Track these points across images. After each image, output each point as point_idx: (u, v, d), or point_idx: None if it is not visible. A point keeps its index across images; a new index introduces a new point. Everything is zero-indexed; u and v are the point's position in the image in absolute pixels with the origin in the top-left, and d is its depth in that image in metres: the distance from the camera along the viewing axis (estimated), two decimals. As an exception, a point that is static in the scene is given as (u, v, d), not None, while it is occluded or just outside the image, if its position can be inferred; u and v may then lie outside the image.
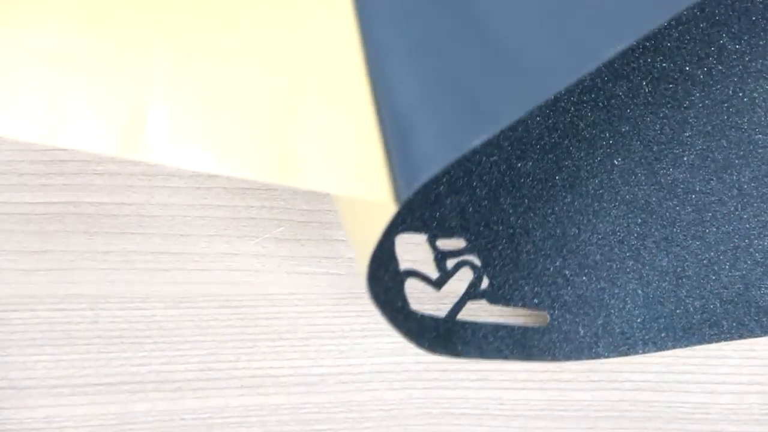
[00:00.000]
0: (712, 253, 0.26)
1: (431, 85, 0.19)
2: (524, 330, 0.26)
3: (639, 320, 0.26)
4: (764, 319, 0.26)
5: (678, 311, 0.26)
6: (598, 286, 0.26)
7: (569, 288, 0.26)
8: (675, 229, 0.26)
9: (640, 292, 0.26)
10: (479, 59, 0.19)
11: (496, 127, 0.18)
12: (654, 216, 0.27)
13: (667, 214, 0.27)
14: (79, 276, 0.26)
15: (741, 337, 0.26)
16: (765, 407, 0.27)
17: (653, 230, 0.27)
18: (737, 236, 0.26)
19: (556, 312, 0.26)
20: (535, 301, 0.26)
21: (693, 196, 0.27)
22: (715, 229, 0.26)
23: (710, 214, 0.27)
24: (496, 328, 0.26)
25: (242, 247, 0.27)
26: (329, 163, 0.18)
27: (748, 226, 0.26)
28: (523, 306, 0.26)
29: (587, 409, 0.27)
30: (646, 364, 0.27)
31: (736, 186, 0.27)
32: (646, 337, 0.26)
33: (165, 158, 0.18)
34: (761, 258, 0.26)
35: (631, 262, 0.26)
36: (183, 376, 0.26)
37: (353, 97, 0.19)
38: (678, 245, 0.26)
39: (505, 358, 0.25)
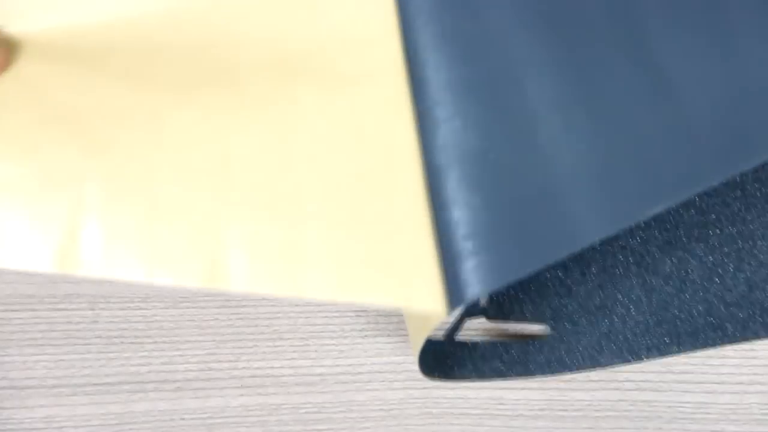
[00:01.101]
0: (716, 256, 0.26)
1: (489, 214, 0.19)
2: (523, 345, 0.26)
3: (642, 326, 0.26)
4: None
5: (682, 316, 0.26)
6: (602, 295, 0.26)
7: (571, 298, 0.26)
8: (678, 232, 0.26)
9: (644, 298, 0.26)
10: (535, 196, 0.19)
11: (540, 264, 0.19)
12: (657, 220, 0.26)
13: (670, 217, 0.26)
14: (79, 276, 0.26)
15: (746, 339, 0.25)
16: (765, 407, 0.27)
17: (656, 234, 0.26)
18: (741, 238, 0.26)
19: (558, 324, 0.26)
20: (536, 314, 0.26)
21: (696, 198, 0.26)
22: (718, 231, 0.26)
23: (713, 216, 0.26)
24: (494, 345, 0.26)
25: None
26: (378, 278, 0.20)
27: (752, 227, 0.26)
28: (524, 320, 0.26)
29: (587, 409, 0.27)
30: (646, 364, 0.27)
31: (740, 187, 0.27)
32: (650, 343, 0.25)
33: (101, 273, 0.19)
34: (765, 259, 0.26)
35: (634, 268, 0.26)
36: (183, 376, 0.26)
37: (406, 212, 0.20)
38: (681, 249, 0.26)
39: (504, 377, 0.25)
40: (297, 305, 0.27)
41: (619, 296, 0.26)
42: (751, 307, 0.26)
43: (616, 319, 0.26)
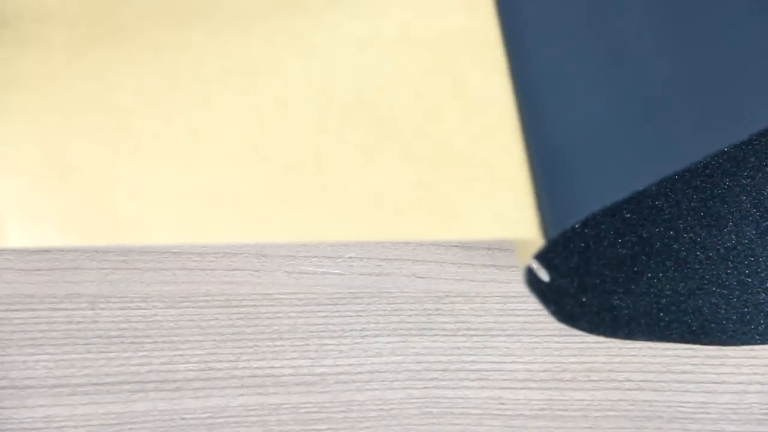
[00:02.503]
0: None
1: (591, 130, 0.20)
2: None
3: None
4: None
5: None
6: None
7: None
8: None
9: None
10: (632, 117, 0.20)
11: (644, 183, 0.19)
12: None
13: None
14: (79, 276, 0.26)
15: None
16: (765, 407, 0.27)
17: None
18: None
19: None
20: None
21: None
22: None
23: None
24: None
25: (243, 247, 0.27)
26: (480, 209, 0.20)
27: None
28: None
29: (587, 409, 0.27)
30: (646, 364, 0.27)
31: None
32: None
33: (23, 243, 0.19)
34: None
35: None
36: (183, 375, 0.26)
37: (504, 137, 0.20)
38: None
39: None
40: (297, 305, 0.27)
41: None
42: None
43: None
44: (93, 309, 0.26)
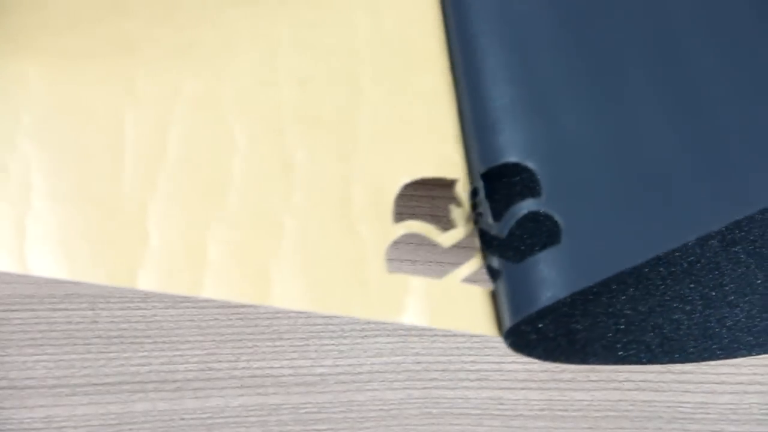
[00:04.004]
0: None
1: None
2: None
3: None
4: None
5: None
6: None
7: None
8: None
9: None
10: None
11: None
12: None
13: None
14: None
15: None
16: (765, 407, 0.27)
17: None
18: None
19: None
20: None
21: None
22: None
23: None
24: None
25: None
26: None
27: None
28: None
29: (587, 409, 0.27)
30: (646, 365, 0.27)
31: None
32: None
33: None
34: None
35: None
36: (183, 376, 0.26)
37: None
38: None
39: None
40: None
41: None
42: None
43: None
44: (93, 309, 0.26)
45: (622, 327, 0.24)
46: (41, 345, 0.26)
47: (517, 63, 0.22)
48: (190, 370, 0.26)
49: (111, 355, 0.26)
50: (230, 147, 0.21)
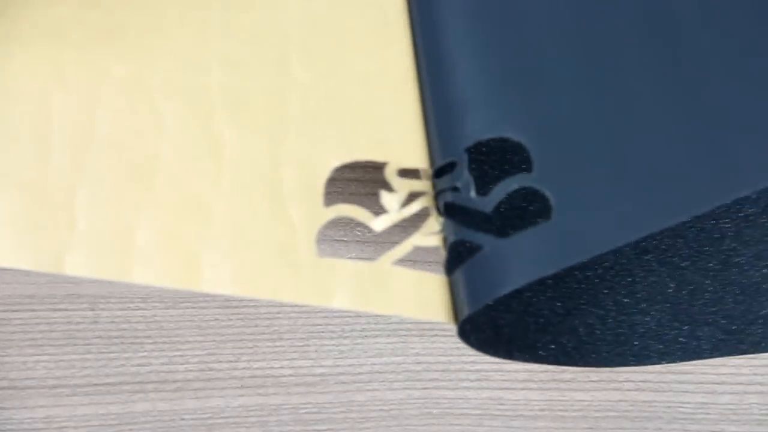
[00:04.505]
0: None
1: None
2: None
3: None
4: None
5: None
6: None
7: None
8: None
9: None
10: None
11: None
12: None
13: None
14: (79, 276, 0.26)
15: None
16: (765, 407, 0.27)
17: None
18: None
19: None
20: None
21: None
22: None
23: None
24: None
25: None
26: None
27: None
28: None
29: (587, 409, 0.27)
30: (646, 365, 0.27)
31: None
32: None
33: None
34: None
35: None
36: (183, 376, 0.26)
37: None
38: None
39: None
40: (297, 305, 0.27)
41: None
42: None
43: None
44: (93, 309, 0.26)
45: (541, 326, 0.23)
46: (41, 345, 0.26)
47: (509, 37, 0.22)
48: (190, 371, 0.26)
49: (111, 355, 0.26)
50: (158, 130, 0.21)
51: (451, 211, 0.21)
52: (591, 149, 0.20)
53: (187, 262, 0.20)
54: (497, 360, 0.27)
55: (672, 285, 0.25)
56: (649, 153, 0.20)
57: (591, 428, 0.27)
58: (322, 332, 0.27)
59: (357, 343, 0.27)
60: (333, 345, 0.27)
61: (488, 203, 0.20)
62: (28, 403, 0.26)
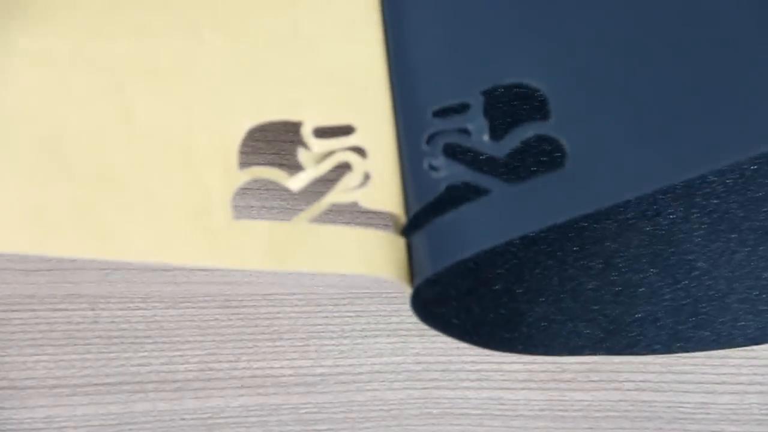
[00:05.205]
0: None
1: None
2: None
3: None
4: None
5: None
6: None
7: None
8: None
9: None
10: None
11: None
12: None
13: None
14: (79, 276, 0.26)
15: None
16: (765, 407, 0.27)
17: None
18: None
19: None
20: None
21: None
22: None
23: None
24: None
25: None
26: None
27: None
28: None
29: (587, 409, 0.27)
30: (646, 364, 0.27)
31: None
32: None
33: None
34: None
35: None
36: (183, 376, 0.26)
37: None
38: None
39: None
40: (297, 305, 0.27)
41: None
42: None
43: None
44: (93, 309, 0.26)
45: (447, 298, 0.24)
46: (41, 345, 0.26)
47: None
48: (190, 370, 0.26)
49: (111, 355, 0.26)
50: (68, 102, 0.21)
51: (457, 152, 0.21)
52: (610, 99, 0.20)
53: (100, 232, 0.20)
54: (497, 360, 0.27)
55: (556, 279, 0.25)
56: (667, 105, 0.20)
57: (591, 428, 0.27)
58: (322, 332, 0.27)
59: (357, 343, 0.27)
60: (333, 345, 0.27)
61: (501, 148, 0.20)
62: (28, 403, 0.26)
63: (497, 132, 0.20)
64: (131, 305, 0.26)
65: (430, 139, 0.21)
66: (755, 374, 0.27)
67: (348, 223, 0.26)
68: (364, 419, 0.26)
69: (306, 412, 0.26)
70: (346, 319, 0.27)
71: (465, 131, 0.20)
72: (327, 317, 0.27)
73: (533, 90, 0.20)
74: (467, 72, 0.21)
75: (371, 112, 0.22)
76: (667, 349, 0.25)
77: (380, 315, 0.27)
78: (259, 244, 0.20)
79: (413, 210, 0.20)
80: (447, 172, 0.20)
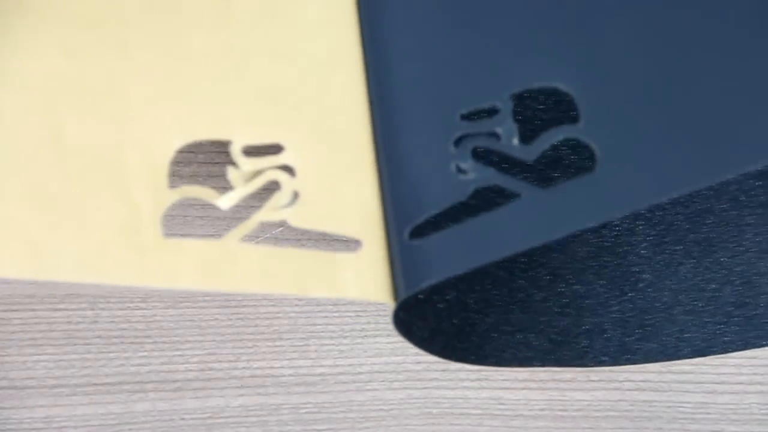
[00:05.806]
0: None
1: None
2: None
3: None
4: None
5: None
6: None
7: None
8: None
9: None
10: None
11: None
12: None
13: None
14: (79, 276, 0.26)
15: None
16: (765, 407, 0.27)
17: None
18: None
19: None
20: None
21: None
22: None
23: None
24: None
25: (242, 247, 0.27)
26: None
27: None
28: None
29: (587, 409, 0.27)
30: (646, 365, 0.27)
31: None
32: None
33: None
34: None
35: None
36: (183, 376, 0.26)
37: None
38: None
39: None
40: (297, 305, 0.27)
41: None
42: None
43: None
44: (93, 309, 0.26)
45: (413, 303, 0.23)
46: (41, 345, 0.26)
47: None
48: (190, 370, 0.26)
49: (111, 355, 0.26)
50: None
51: (485, 156, 0.21)
52: (639, 102, 0.20)
53: (30, 251, 0.20)
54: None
55: (505, 290, 0.25)
56: (697, 107, 0.20)
57: (591, 428, 0.27)
58: (322, 332, 0.27)
59: (357, 343, 0.27)
60: (333, 345, 0.27)
61: (531, 152, 0.20)
62: (28, 402, 0.26)
63: (524, 136, 0.20)
64: (131, 305, 0.26)
65: (458, 142, 0.21)
66: (755, 374, 0.27)
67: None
68: (364, 419, 0.26)
69: (306, 412, 0.26)
70: (346, 319, 0.27)
71: (494, 135, 0.20)
72: (327, 317, 0.27)
73: (562, 94, 0.20)
74: (496, 76, 0.21)
75: (301, 130, 0.21)
76: (615, 360, 0.25)
77: (380, 315, 0.27)
78: (190, 263, 0.20)
79: (430, 211, 0.20)
80: (476, 174, 0.20)
